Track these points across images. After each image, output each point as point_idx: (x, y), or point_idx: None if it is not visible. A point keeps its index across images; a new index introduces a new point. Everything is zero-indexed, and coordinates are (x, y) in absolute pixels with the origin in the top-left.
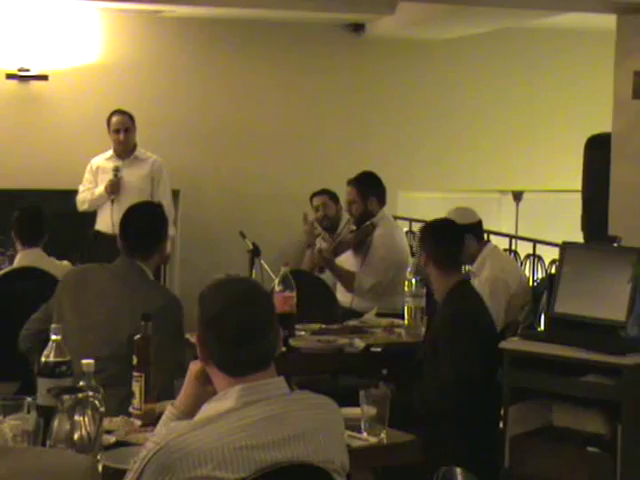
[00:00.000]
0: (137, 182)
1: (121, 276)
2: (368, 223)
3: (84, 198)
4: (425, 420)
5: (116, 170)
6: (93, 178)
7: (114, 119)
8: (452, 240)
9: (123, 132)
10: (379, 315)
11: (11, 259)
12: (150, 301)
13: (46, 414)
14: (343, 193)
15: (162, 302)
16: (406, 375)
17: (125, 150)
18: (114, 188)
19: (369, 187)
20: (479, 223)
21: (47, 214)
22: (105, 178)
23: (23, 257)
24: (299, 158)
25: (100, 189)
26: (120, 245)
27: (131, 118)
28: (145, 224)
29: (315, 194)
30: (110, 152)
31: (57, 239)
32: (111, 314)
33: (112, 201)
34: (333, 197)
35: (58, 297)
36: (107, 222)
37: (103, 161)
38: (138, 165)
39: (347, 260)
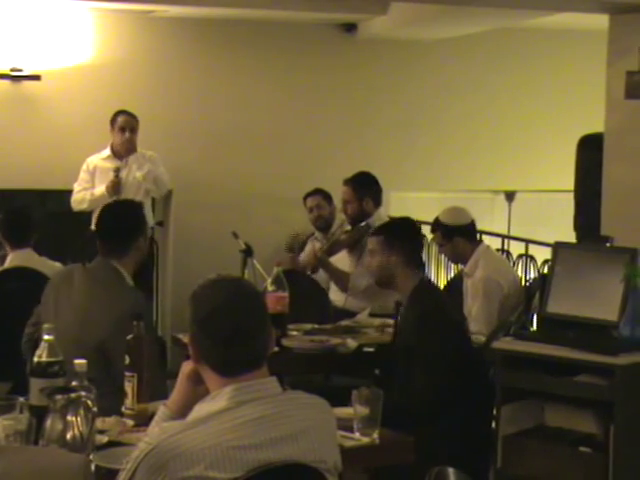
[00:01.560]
0: (136, 181)
1: (95, 276)
2: (363, 223)
3: (82, 198)
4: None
5: (117, 171)
6: (90, 178)
7: (120, 118)
8: (418, 238)
9: (129, 131)
10: (372, 315)
11: (2, 260)
12: (119, 302)
13: (39, 414)
14: (337, 193)
15: (130, 303)
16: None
17: (126, 150)
18: (116, 189)
19: (365, 187)
20: (472, 224)
21: (34, 214)
22: (103, 178)
23: (14, 258)
24: (291, 158)
25: (101, 189)
26: (98, 245)
27: (136, 120)
28: (117, 224)
29: (308, 195)
30: (107, 152)
31: (50, 239)
32: (80, 315)
33: None
34: (327, 197)
35: (44, 298)
36: None
37: (100, 161)
38: (136, 164)
39: (342, 260)
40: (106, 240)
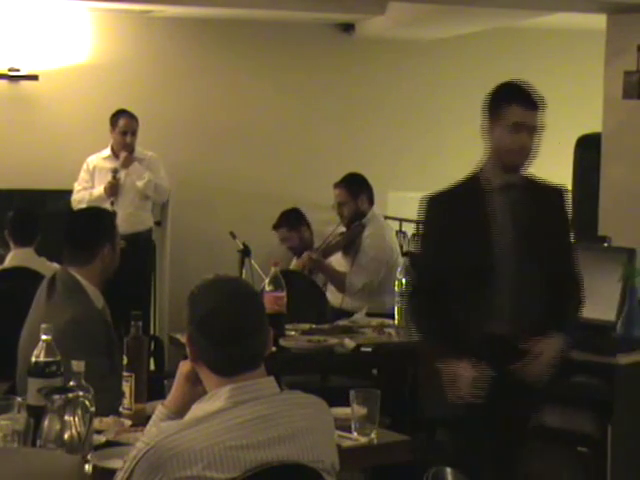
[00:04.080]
0: (134, 182)
1: (51, 286)
2: (357, 223)
3: (81, 198)
4: None
5: (115, 172)
6: (90, 177)
7: (122, 121)
8: None
9: (130, 135)
10: (369, 315)
11: (1, 259)
12: (56, 315)
13: (36, 414)
14: (330, 195)
15: (66, 318)
16: None
17: (126, 159)
18: (113, 190)
19: (358, 186)
20: None
21: (40, 215)
22: (103, 178)
23: (14, 257)
24: (289, 158)
25: (99, 190)
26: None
27: (137, 121)
28: (77, 233)
29: (273, 227)
30: (107, 152)
31: (48, 240)
32: (27, 328)
33: (112, 203)
34: (293, 227)
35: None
36: None
37: (100, 161)
38: (136, 173)
39: (337, 261)
40: (69, 248)
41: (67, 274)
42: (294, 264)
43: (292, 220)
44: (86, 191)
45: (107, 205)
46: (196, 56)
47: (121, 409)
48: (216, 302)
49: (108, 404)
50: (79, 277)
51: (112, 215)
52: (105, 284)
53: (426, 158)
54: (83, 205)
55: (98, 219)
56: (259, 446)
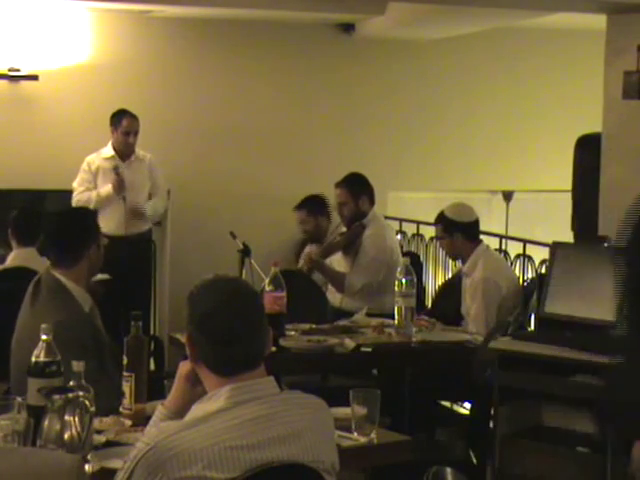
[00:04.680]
0: (139, 181)
1: (36, 289)
2: (357, 224)
3: (88, 198)
4: None
5: (116, 168)
6: (92, 178)
7: (126, 122)
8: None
9: (133, 135)
10: (369, 315)
11: (2, 259)
12: (46, 316)
13: (36, 414)
14: (331, 195)
15: (58, 318)
16: None
17: (129, 152)
18: (122, 187)
19: (359, 186)
20: (475, 222)
21: (44, 215)
22: (107, 178)
23: (16, 256)
24: (289, 158)
25: (108, 189)
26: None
27: (138, 121)
28: (63, 236)
29: (295, 207)
30: (109, 152)
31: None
32: (16, 332)
33: (123, 199)
34: (312, 211)
35: None
36: (118, 223)
37: (102, 161)
38: (138, 165)
39: (337, 261)
40: (55, 251)
41: (51, 277)
42: (305, 255)
43: (313, 206)
44: (91, 192)
45: (119, 202)
46: (196, 56)
47: (121, 409)
48: (216, 302)
49: (106, 405)
50: (65, 279)
51: (95, 214)
52: (105, 284)
53: (426, 158)
54: (90, 206)
55: (83, 220)
56: (259, 446)
